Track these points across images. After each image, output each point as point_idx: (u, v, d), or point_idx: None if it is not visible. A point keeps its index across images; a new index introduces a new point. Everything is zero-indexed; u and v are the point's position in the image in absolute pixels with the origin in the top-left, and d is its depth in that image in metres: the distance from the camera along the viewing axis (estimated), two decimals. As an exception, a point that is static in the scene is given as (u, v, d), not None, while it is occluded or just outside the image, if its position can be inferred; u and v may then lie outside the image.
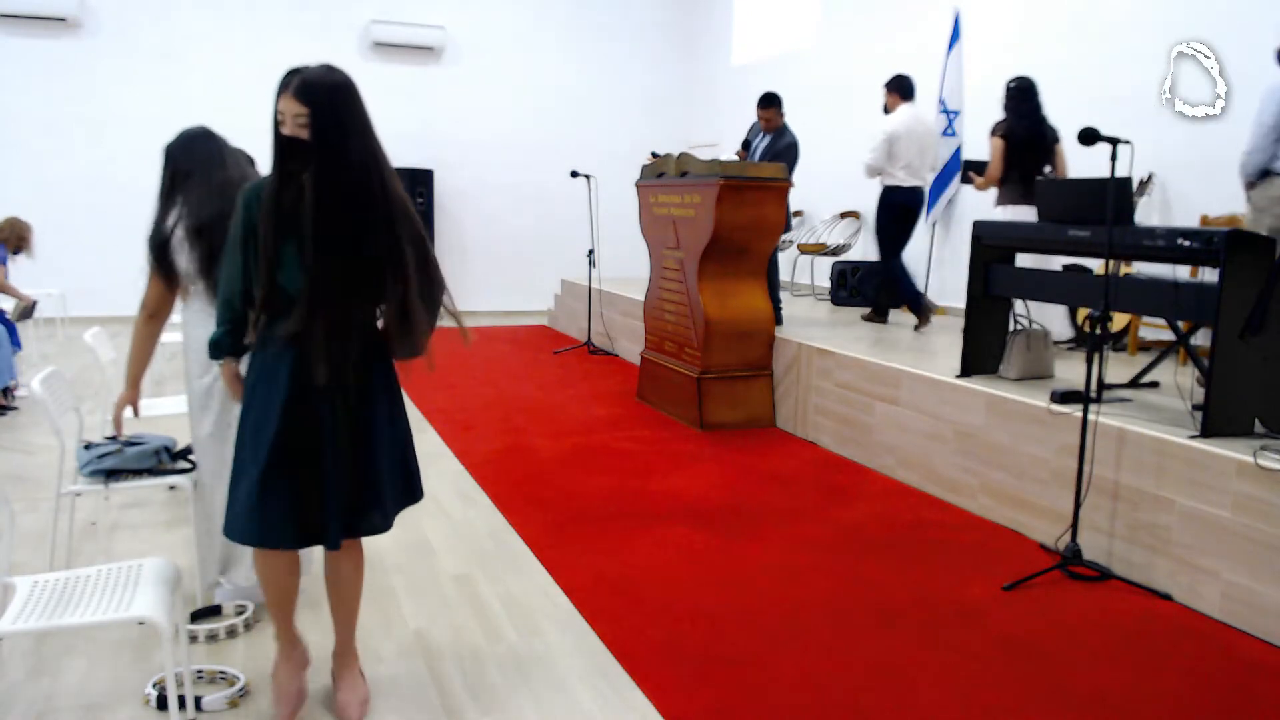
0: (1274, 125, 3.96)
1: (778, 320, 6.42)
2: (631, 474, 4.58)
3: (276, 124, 2.10)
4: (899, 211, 6.37)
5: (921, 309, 6.34)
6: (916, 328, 6.36)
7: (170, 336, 4.60)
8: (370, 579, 3.29)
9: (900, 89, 6.46)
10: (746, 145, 6.60)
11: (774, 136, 6.45)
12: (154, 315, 2.90)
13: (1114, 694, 2.62)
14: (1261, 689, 2.68)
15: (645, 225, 6.29)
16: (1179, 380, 4.41)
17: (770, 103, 6.45)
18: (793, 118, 7.01)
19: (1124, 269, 4.93)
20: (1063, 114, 6.22)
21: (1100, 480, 3.56)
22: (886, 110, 6.49)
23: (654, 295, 6.19)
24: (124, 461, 2.99)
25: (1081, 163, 5.31)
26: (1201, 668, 2.79)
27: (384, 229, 2.14)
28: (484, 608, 3.09)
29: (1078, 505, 3.46)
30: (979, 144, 7.04)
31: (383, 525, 2.30)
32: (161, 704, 2.40)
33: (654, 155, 6.37)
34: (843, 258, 8.31)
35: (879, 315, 6.79)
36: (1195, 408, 3.59)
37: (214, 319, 2.32)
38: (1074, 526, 3.49)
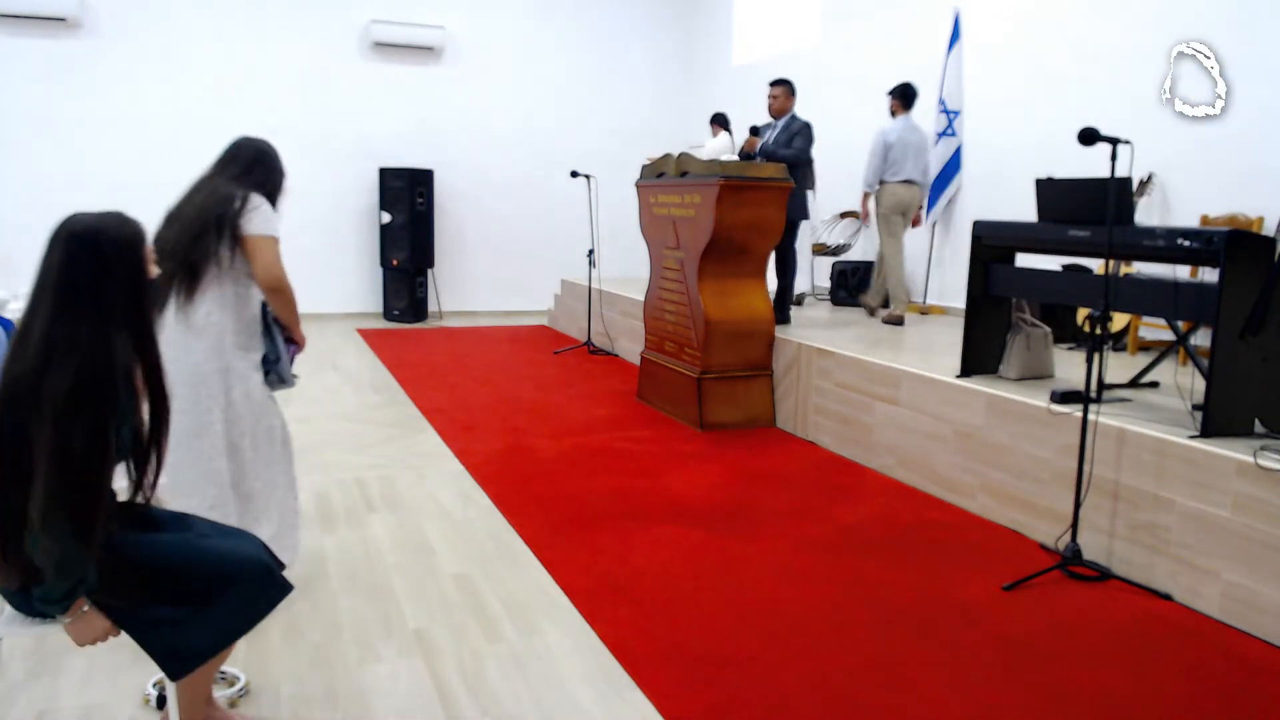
0: (879, 154, 6.62)
1: (786, 320, 6.43)
2: (631, 474, 4.58)
3: (143, 275, 1.91)
4: None
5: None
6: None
7: None
8: (369, 579, 3.29)
9: (722, 121, 8.67)
10: (755, 131, 6.59)
11: (787, 121, 6.47)
12: None
13: (1114, 694, 2.62)
14: (1261, 689, 2.68)
15: (645, 225, 6.29)
16: (1179, 380, 4.41)
17: (783, 81, 6.56)
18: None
19: (1124, 269, 4.93)
20: (1063, 113, 6.23)
21: (1100, 480, 3.56)
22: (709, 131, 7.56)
23: (654, 295, 6.19)
24: None
25: (1081, 163, 5.31)
26: (1201, 668, 2.79)
27: None
28: (484, 607, 3.09)
29: (1078, 505, 3.46)
30: (978, 144, 7.05)
31: None
32: (161, 704, 2.41)
33: (724, 129, 6.52)
34: (843, 258, 8.30)
35: None
36: (1195, 408, 3.59)
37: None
38: (1074, 526, 3.49)
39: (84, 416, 1.76)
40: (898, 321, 6.59)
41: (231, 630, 2.04)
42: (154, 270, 1.95)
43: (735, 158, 6.53)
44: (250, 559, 2.07)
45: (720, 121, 8.76)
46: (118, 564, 1.91)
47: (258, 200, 2.84)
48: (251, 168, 2.91)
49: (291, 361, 3.07)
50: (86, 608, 1.87)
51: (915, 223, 6.91)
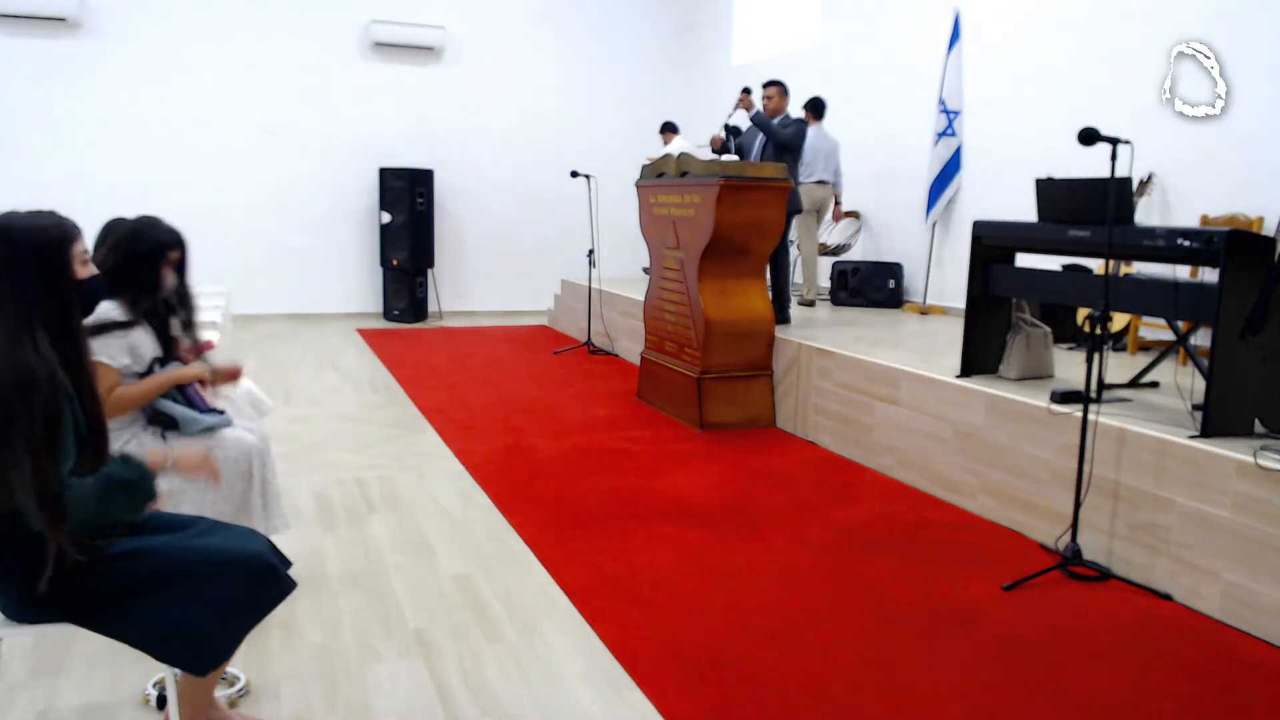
0: (805, 159, 7.11)
1: (786, 320, 6.43)
2: (631, 474, 4.58)
3: (62, 276, 1.87)
4: None
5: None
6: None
7: None
8: (370, 579, 3.29)
9: (671, 127, 9.36)
10: (747, 91, 6.50)
11: (781, 120, 6.47)
12: None
13: (1114, 694, 2.62)
14: (1261, 689, 2.68)
15: (645, 225, 6.29)
16: (1179, 380, 4.41)
17: (776, 82, 6.63)
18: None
19: (1124, 269, 4.93)
20: (1063, 113, 6.23)
21: (1100, 480, 3.56)
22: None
23: (654, 295, 6.19)
24: None
25: (1082, 163, 5.31)
26: (1201, 668, 2.79)
27: None
28: (484, 608, 3.09)
29: (1078, 505, 3.46)
30: (978, 144, 7.05)
31: None
32: (161, 704, 2.41)
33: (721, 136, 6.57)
34: (843, 258, 8.31)
35: None
36: (1195, 408, 3.59)
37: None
38: (1074, 526, 3.49)
39: (31, 405, 1.73)
40: (809, 304, 7.57)
41: (234, 628, 2.02)
42: (83, 271, 1.91)
43: (706, 147, 6.53)
44: (250, 555, 2.05)
45: (671, 129, 9.34)
46: (114, 570, 1.91)
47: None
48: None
49: (200, 400, 2.86)
50: (167, 445, 1.83)
51: (836, 217, 7.93)
